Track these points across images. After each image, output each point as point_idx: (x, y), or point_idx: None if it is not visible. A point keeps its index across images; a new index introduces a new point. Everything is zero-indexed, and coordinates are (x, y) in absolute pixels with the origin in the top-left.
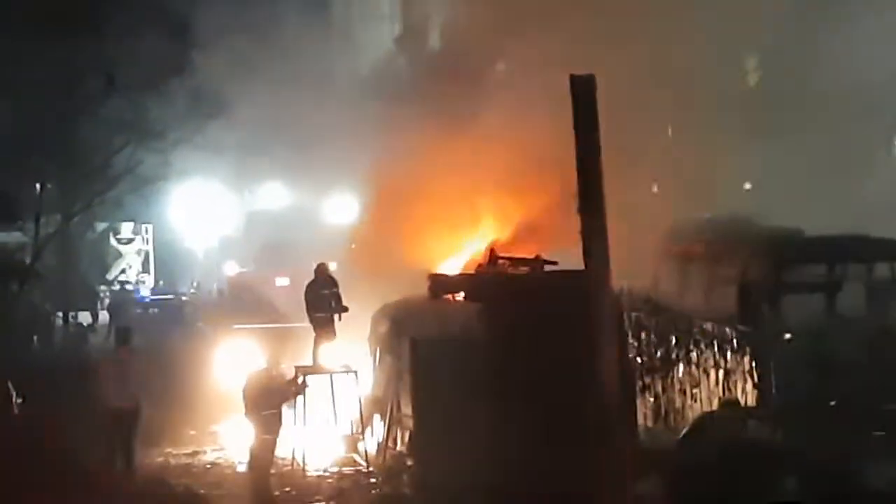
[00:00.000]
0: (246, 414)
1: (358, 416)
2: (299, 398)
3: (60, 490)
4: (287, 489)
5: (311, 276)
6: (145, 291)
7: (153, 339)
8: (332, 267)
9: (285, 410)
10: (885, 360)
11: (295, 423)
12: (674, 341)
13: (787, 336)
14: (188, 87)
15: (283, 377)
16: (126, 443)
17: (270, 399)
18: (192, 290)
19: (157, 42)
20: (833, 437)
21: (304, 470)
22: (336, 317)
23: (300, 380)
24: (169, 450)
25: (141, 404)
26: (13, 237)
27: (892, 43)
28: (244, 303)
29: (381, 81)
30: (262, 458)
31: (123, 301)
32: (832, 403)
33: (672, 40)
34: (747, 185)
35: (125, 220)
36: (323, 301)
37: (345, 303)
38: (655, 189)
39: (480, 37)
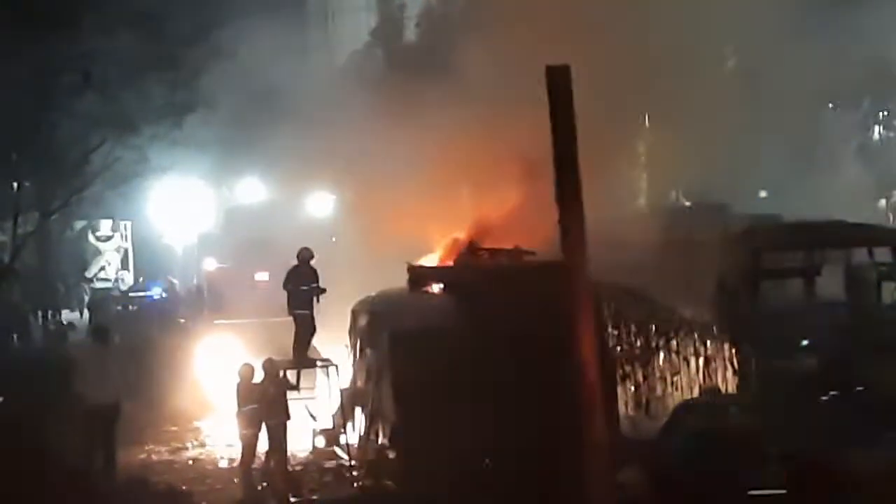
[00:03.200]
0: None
1: (339, 409)
2: (280, 393)
3: (40, 489)
4: (269, 483)
5: (289, 269)
6: (125, 289)
7: (133, 336)
8: (314, 260)
9: (268, 406)
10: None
11: (277, 419)
12: (653, 330)
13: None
14: (165, 82)
15: (264, 374)
16: (106, 441)
17: (251, 394)
18: (172, 287)
19: (133, 38)
20: (814, 424)
21: (286, 464)
22: (316, 300)
23: (281, 375)
24: (150, 447)
25: (121, 402)
26: None
27: (867, 33)
28: (224, 298)
29: (358, 73)
30: (244, 452)
31: (102, 299)
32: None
33: (648, 28)
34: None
35: (104, 218)
36: (303, 297)
37: (325, 289)
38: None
39: (455, 28)
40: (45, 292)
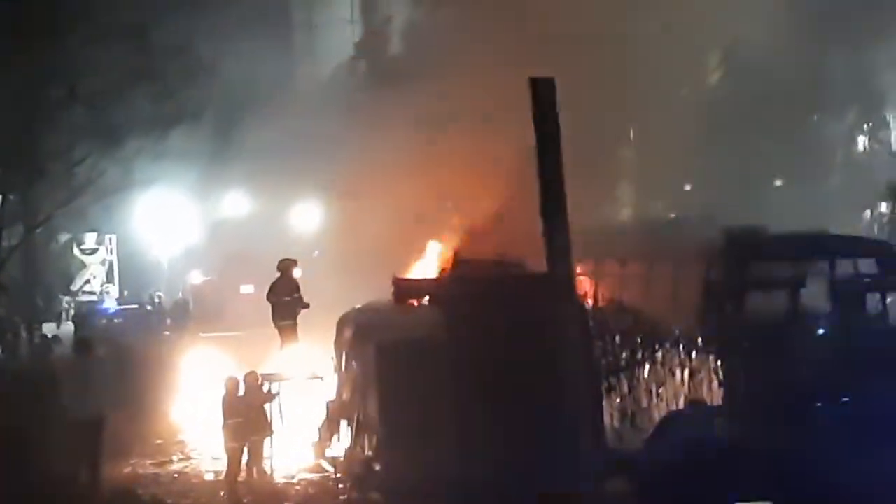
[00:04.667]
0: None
1: (325, 421)
2: (265, 406)
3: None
4: (254, 496)
5: (272, 281)
6: (110, 302)
7: (118, 349)
8: (297, 274)
9: (254, 419)
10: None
11: (262, 432)
12: (639, 341)
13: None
14: (150, 95)
15: (249, 387)
16: (91, 453)
17: (236, 407)
18: (157, 300)
19: (118, 50)
20: (798, 434)
21: (271, 476)
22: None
23: (266, 388)
24: (135, 460)
25: (106, 414)
26: None
27: (852, 47)
28: (209, 311)
29: (342, 86)
30: (230, 465)
31: (88, 312)
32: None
33: (634, 41)
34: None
35: (89, 231)
36: (286, 308)
37: (308, 304)
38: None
39: (440, 40)
40: (30, 305)
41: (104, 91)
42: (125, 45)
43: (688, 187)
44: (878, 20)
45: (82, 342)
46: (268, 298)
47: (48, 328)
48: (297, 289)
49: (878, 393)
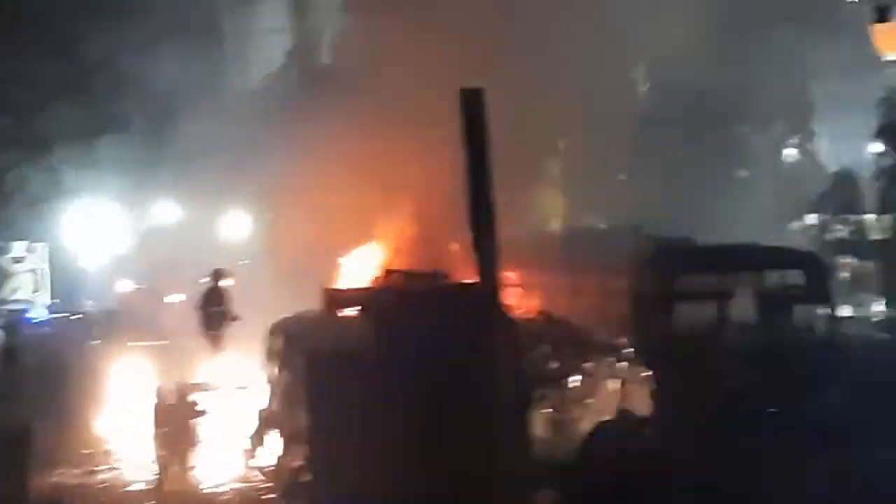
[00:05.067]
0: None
1: (255, 430)
2: (195, 415)
3: None
4: None
5: (203, 290)
6: (39, 310)
7: (46, 358)
8: (229, 282)
9: (182, 428)
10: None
11: (190, 441)
12: (568, 352)
13: None
14: (77, 104)
15: (179, 396)
16: (17, 464)
17: (166, 416)
18: (87, 309)
19: (44, 58)
20: (726, 447)
21: (201, 486)
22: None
23: (195, 397)
24: (62, 470)
25: (32, 425)
26: None
27: (779, 57)
28: (138, 320)
29: (273, 94)
30: (159, 475)
31: (16, 320)
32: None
33: (561, 52)
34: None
35: (16, 240)
36: (213, 319)
37: (238, 314)
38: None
39: (371, 51)
40: None
41: (30, 101)
42: (51, 55)
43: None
44: (805, 33)
45: (9, 351)
46: (197, 308)
47: None
48: (227, 300)
49: (805, 403)
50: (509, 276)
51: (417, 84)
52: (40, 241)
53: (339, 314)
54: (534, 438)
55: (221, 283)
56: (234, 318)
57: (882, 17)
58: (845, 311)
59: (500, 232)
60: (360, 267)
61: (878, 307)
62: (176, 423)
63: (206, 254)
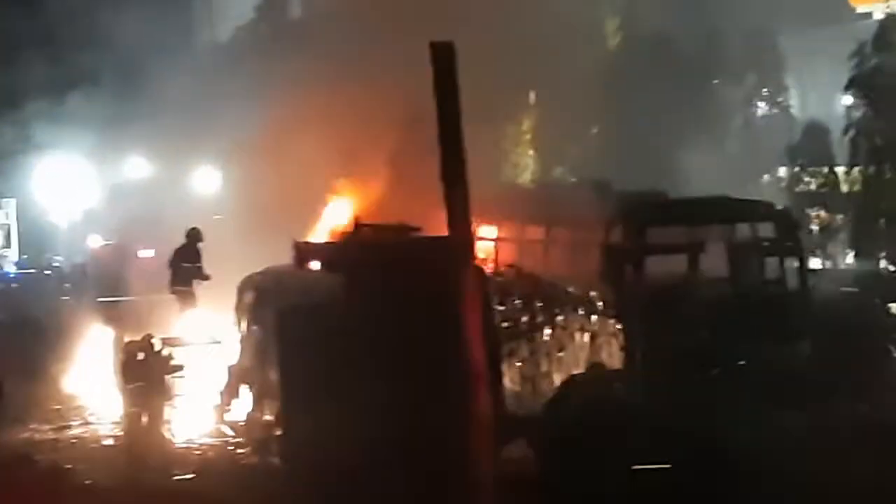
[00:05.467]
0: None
1: (226, 386)
2: (165, 370)
3: None
4: (154, 461)
5: (176, 247)
6: (8, 266)
7: (15, 314)
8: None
9: (153, 383)
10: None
11: (161, 396)
12: (539, 305)
13: None
14: (47, 58)
15: (150, 351)
16: None
17: (136, 372)
18: (56, 265)
19: (12, 12)
20: (696, 399)
21: (171, 441)
22: (201, 280)
23: (166, 353)
24: (33, 425)
25: (1, 380)
26: None
27: (749, 11)
28: (108, 275)
29: (243, 48)
30: (128, 430)
31: None
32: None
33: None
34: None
35: None
36: (184, 275)
37: (209, 272)
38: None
39: (339, 4)
40: None
41: None
42: (18, 10)
43: (595, 130)
44: None
45: None
46: (169, 265)
47: None
48: (199, 258)
49: (775, 356)
50: (480, 229)
51: (387, 38)
52: (9, 196)
53: (309, 268)
54: (503, 391)
55: (195, 243)
56: (206, 278)
57: None
58: (815, 263)
59: (470, 185)
60: (331, 221)
61: (848, 259)
62: (147, 378)
63: (176, 209)
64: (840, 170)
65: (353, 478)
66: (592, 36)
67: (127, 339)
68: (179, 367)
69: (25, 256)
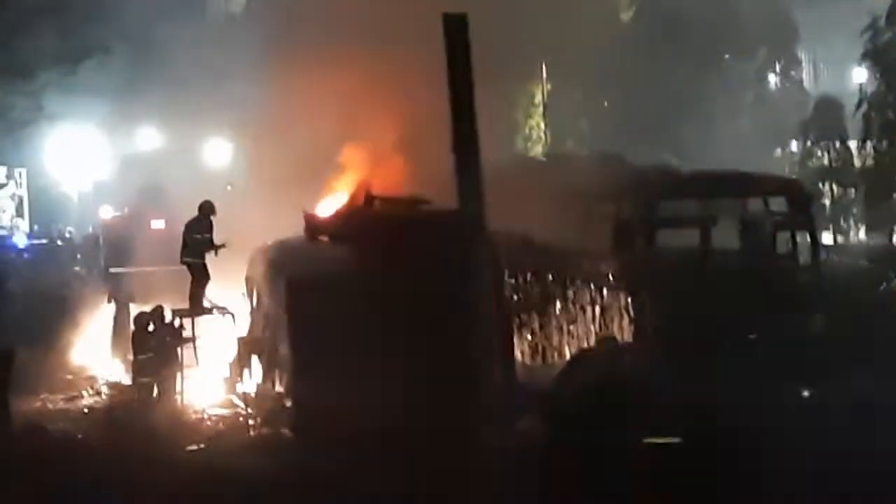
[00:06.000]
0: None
1: (236, 357)
2: (176, 341)
3: None
4: (165, 431)
5: (188, 218)
6: (20, 236)
7: (28, 285)
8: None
9: (164, 354)
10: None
11: (173, 367)
12: (551, 278)
13: None
14: (59, 28)
15: (160, 321)
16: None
17: (147, 342)
18: (68, 235)
19: None
20: (707, 373)
21: (182, 411)
22: (212, 253)
23: (176, 323)
24: (45, 395)
25: (14, 350)
26: None
27: None
28: (120, 246)
29: (254, 20)
30: (141, 401)
31: None
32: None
33: None
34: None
35: None
36: (195, 246)
37: (221, 242)
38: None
39: None
40: None
41: (10, 24)
42: None
43: (606, 103)
44: None
45: None
46: (183, 237)
47: None
48: (211, 230)
49: (786, 330)
50: (490, 202)
51: (400, 10)
52: (21, 166)
53: (320, 240)
54: (514, 364)
55: (208, 216)
56: (220, 246)
57: None
58: (827, 237)
59: (482, 158)
60: (342, 193)
61: (860, 233)
62: (159, 349)
63: (188, 180)
64: (853, 144)
65: (362, 447)
66: (605, 8)
67: (139, 310)
68: (190, 339)
69: (37, 227)
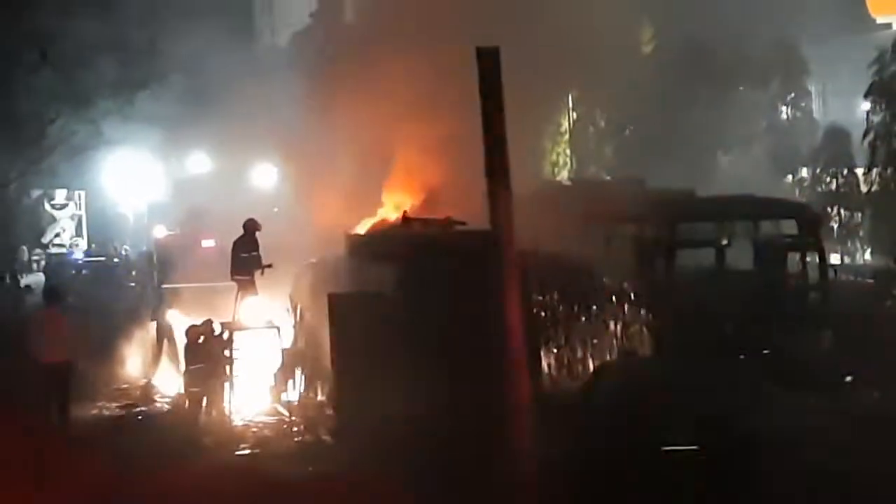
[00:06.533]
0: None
1: (281, 368)
2: (225, 353)
3: None
4: (214, 437)
5: (236, 238)
6: (79, 254)
7: (86, 299)
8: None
9: (213, 365)
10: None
11: (221, 377)
12: (576, 295)
13: None
14: (118, 61)
15: (210, 334)
16: (60, 397)
17: (197, 354)
18: (123, 253)
19: (87, 18)
20: (723, 385)
21: (230, 419)
22: (259, 272)
23: (225, 335)
24: (101, 403)
25: (74, 360)
26: None
27: (777, 15)
28: (172, 263)
29: (300, 52)
30: (190, 408)
31: (58, 263)
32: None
33: (572, 12)
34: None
35: (59, 187)
36: (243, 263)
37: (268, 261)
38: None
39: (388, 12)
40: (3, 257)
41: (74, 57)
42: (94, 15)
43: (627, 132)
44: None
45: (52, 291)
46: (230, 253)
47: (26, 278)
48: (257, 247)
49: (798, 344)
50: (519, 223)
51: (434, 41)
52: (81, 188)
53: (359, 258)
54: (540, 374)
55: (253, 234)
56: (267, 266)
57: None
58: (835, 258)
59: (513, 182)
60: (381, 215)
61: (865, 255)
62: (206, 360)
63: (236, 202)
64: (859, 171)
65: (399, 454)
66: (628, 43)
67: (190, 323)
68: (233, 351)
69: (95, 245)
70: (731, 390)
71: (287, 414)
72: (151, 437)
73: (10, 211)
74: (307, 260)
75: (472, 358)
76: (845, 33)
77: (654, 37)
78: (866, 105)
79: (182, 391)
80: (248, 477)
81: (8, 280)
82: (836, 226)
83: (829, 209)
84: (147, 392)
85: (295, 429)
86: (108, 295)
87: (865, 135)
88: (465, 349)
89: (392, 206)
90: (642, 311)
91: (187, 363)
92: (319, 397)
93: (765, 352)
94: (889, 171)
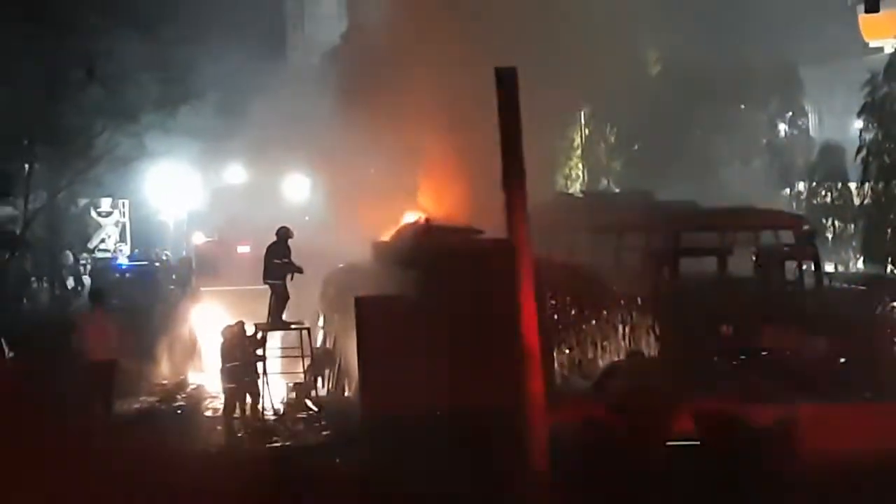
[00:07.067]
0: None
1: (310, 366)
2: (258, 352)
3: (44, 433)
4: (248, 431)
5: (269, 244)
6: (122, 259)
7: (129, 301)
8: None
9: (246, 363)
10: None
11: (255, 375)
12: (587, 301)
13: None
14: (159, 78)
15: (243, 334)
16: (104, 392)
17: (232, 353)
18: (164, 258)
19: (131, 39)
20: (725, 384)
21: (263, 414)
22: (290, 277)
23: (259, 336)
24: (143, 398)
25: (117, 358)
26: (5, 211)
27: (777, 33)
28: (210, 268)
29: (330, 70)
30: (226, 404)
31: (103, 267)
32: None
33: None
34: None
35: (104, 196)
36: (276, 269)
37: (299, 267)
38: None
39: (409, 34)
40: (52, 261)
41: (119, 75)
42: (137, 34)
43: (636, 147)
44: (799, 21)
45: (98, 294)
46: (264, 259)
47: (70, 281)
48: (289, 253)
49: (795, 347)
50: (534, 232)
51: (455, 62)
52: (124, 197)
53: (385, 264)
54: (553, 373)
55: (286, 240)
56: (298, 270)
57: (870, 7)
58: (829, 266)
59: (528, 193)
60: (405, 223)
61: (858, 263)
62: (242, 358)
63: (270, 210)
64: (853, 185)
65: (421, 445)
66: (635, 64)
67: (226, 324)
68: (266, 350)
69: (137, 251)
70: (731, 389)
71: (316, 409)
72: (189, 430)
73: (59, 218)
74: (336, 266)
75: (492, 358)
76: (840, 57)
77: (661, 59)
78: (859, 123)
79: (220, 387)
80: (278, 467)
81: (47, 284)
82: (830, 236)
83: (824, 220)
84: (185, 387)
85: (324, 423)
86: (149, 297)
87: (858, 151)
88: (482, 349)
89: (416, 215)
90: (649, 315)
91: (223, 361)
92: (347, 394)
93: (763, 353)
94: (880, 185)
